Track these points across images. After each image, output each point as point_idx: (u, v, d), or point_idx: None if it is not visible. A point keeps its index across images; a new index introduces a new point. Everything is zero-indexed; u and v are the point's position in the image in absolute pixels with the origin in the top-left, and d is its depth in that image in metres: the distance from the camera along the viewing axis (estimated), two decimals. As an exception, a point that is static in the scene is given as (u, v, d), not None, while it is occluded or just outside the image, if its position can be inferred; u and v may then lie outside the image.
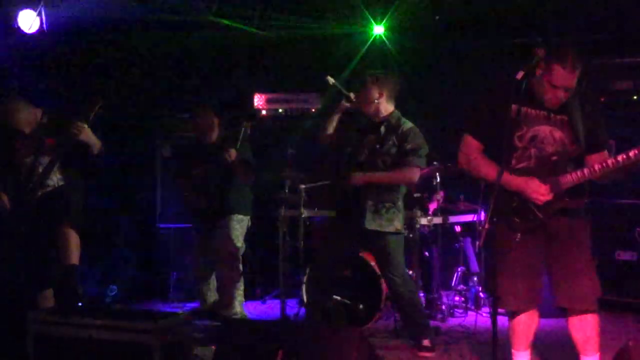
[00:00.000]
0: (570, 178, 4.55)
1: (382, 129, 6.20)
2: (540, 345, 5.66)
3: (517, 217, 4.69)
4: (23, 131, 6.41)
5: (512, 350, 4.99)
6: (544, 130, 4.67)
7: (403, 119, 6.27)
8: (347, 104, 6.24)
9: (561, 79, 4.49)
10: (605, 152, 4.70)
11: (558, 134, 4.66)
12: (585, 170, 4.52)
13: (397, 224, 6.22)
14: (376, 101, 6.18)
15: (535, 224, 4.67)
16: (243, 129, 6.98)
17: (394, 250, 6.25)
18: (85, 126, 6.18)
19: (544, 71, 4.53)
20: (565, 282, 4.68)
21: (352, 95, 6.19)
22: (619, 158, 4.37)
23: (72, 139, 6.18)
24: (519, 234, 4.67)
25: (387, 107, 6.27)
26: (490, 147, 4.82)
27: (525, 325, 4.91)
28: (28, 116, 6.42)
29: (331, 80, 6.24)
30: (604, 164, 4.43)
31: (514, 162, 4.72)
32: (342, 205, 6.39)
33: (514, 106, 4.53)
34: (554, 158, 4.66)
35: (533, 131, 4.68)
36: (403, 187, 6.40)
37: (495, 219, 4.27)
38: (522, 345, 4.95)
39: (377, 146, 6.15)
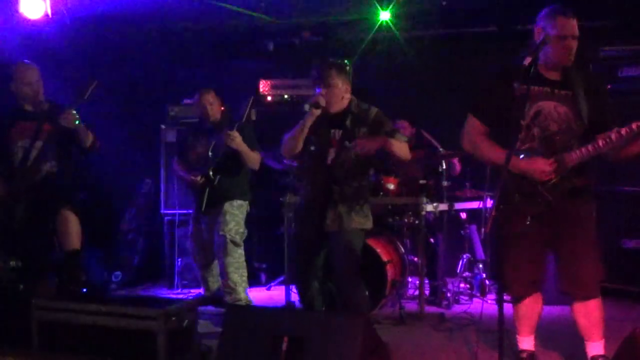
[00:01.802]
0: (576, 155, 4.53)
1: (348, 122, 5.68)
2: (546, 332, 5.64)
3: (526, 201, 4.67)
4: (24, 110, 6.43)
5: (517, 336, 5.02)
6: (548, 105, 4.65)
7: (362, 104, 5.77)
8: (318, 111, 5.62)
9: (567, 28, 4.56)
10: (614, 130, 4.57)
11: (562, 109, 4.64)
12: (590, 147, 4.48)
13: (370, 221, 5.87)
14: (345, 96, 5.69)
15: (543, 208, 4.64)
16: (249, 103, 6.92)
17: (357, 246, 5.79)
18: (73, 112, 6.19)
19: (547, 36, 4.57)
20: (569, 266, 4.69)
21: (321, 99, 5.63)
22: (622, 131, 4.34)
23: (61, 125, 6.21)
24: (529, 218, 4.65)
25: (348, 98, 5.75)
26: (496, 129, 4.81)
27: (529, 310, 4.92)
28: (30, 90, 6.44)
29: (307, 107, 5.88)
30: (608, 139, 4.39)
31: (518, 144, 4.69)
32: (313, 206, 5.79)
33: (516, 85, 4.54)
34: (558, 137, 4.64)
35: (537, 107, 4.66)
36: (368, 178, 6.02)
37: (502, 206, 4.26)
38: (526, 330, 4.97)
39: (347, 143, 5.62)
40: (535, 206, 4.66)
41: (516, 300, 4.95)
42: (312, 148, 5.74)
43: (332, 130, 5.70)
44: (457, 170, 8.18)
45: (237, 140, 6.86)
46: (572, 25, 4.57)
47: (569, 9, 4.59)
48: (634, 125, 4.25)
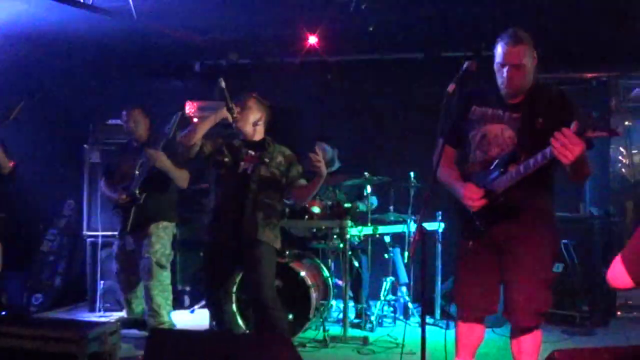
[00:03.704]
0: (502, 182, 4.43)
1: (267, 147, 5.99)
2: (484, 355, 5.70)
3: (466, 224, 4.68)
4: None
5: (456, 358, 4.93)
6: (495, 129, 4.58)
7: (277, 144, 6.11)
8: (228, 116, 5.86)
9: (504, 56, 4.45)
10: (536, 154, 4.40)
11: (509, 132, 4.54)
12: (513, 171, 4.37)
13: (279, 242, 6.01)
14: (255, 124, 5.97)
15: (480, 232, 4.60)
16: (175, 120, 6.90)
17: (271, 263, 5.94)
18: None
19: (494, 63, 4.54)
20: (505, 294, 4.63)
21: (236, 109, 5.87)
22: (538, 156, 4.18)
23: None
24: (471, 242, 4.65)
25: (262, 131, 6.07)
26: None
27: (471, 333, 4.85)
28: None
29: (223, 83, 6.00)
30: (528, 163, 4.26)
31: (467, 167, 4.68)
32: (227, 216, 5.89)
33: (475, 108, 4.58)
34: (496, 161, 4.54)
35: (483, 131, 4.62)
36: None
37: (425, 230, 4.27)
38: (464, 352, 4.89)
39: (266, 159, 5.89)
40: (472, 232, 4.64)
41: (459, 321, 4.90)
42: (226, 159, 5.92)
43: (249, 151, 5.93)
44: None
45: (160, 158, 6.83)
46: (514, 53, 4.43)
47: (516, 37, 4.44)
48: (547, 151, 4.17)
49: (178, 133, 6.74)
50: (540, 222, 4.61)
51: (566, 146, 3.89)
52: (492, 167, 4.53)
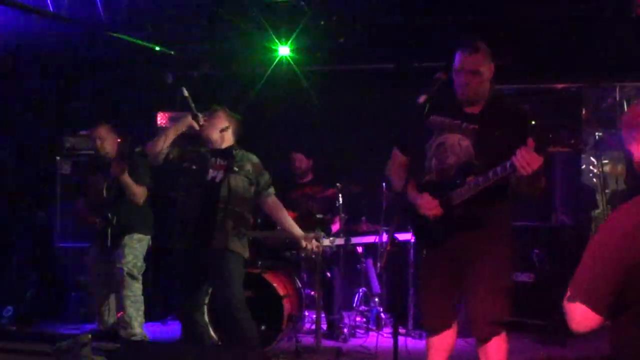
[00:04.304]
0: (459, 193, 4.46)
1: (235, 155, 5.92)
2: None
3: (420, 234, 4.69)
4: None
5: None
6: (452, 138, 4.60)
7: (244, 151, 6.04)
8: (193, 123, 5.92)
9: (462, 62, 4.53)
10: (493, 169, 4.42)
11: (465, 142, 4.57)
12: (472, 183, 4.42)
13: (247, 252, 5.97)
14: (223, 130, 5.92)
15: (436, 241, 4.62)
16: (129, 140, 6.94)
17: (240, 274, 5.90)
18: None
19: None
20: (466, 304, 4.65)
21: (201, 116, 5.92)
22: (498, 169, 4.22)
23: None
24: (425, 251, 4.67)
25: (230, 139, 6.00)
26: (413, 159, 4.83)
27: (440, 344, 4.82)
28: None
29: (186, 92, 6.03)
30: (485, 176, 4.32)
31: (425, 175, 4.69)
32: (196, 224, 5.82)
33: (433, 117, 4.60)
34: (453, 172, 4.57)
35: (441, 139, 4.63)
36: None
37: (397, 241, 4.27)
38: None
39: (235, 168, 5.83)
40: (429, 239, 4.66)
41: (427, 334, 4.90)
42: (193, 167, 5.89)
43: (217, 159, 5.90)
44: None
45: (124, 173, 6.86)
46: (470, 60, 4.52)
47: (474, 45, 4.55)
48: (507, 164, 4.21)
49: (139, 149, 6.79)
50: (498, 232, 4.63)
51: (527, 161, 3.98)
52: (449, 178, 4.56)
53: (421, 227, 4.69)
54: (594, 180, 9.12)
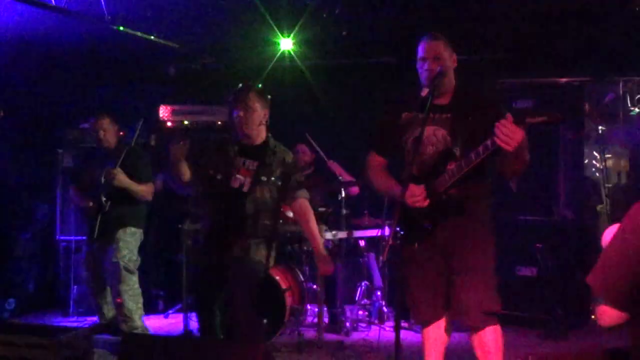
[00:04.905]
0: (443, 179, 4.48)
1: (265, 156, 5.47)
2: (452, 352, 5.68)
3: (409, 227, 4.69)
4: None
5: None
6: (427, 130, 4.56)
7: (278, 143, 5.62)
8: (178, 151, 5.34)
9: (424, 50, 4.62)
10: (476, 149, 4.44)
11: (441, 132, 4.60)
12: (455, 167, 4.43)
13: (274, 257, 5.67)
14: (261, 124, 5.46)
15: (425, 233, 4.60)
16: (137, 128, 6.92)
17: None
18: None
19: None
20: (453, 295, 4.61)
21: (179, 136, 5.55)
22: (480, 149, 4.25)
23: None
24: (416, 244, 4.66)
25: (264, 131, 5.54)
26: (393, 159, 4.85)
27: (435, 336, 4.83)
28: None
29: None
30: (468, 158, 4.34)
31: (406, 170, 4.62)
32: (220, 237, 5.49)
33: (404, 114, 4.65)
34: (432, 161, 4.60)
35: (415, 133, 4.58)
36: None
37: (399, 234, 4.27)
38: (432, 356, 4.86)
39: (262, 177, 5.39)
40: (418, 232, 4.63)
41: (422, 327, 4.91)
42: (219, 177, 5.44)
43: (246, 161, 5.45)
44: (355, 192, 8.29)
45: (119, 177, 6.85)
46: (432, 45, 4.62)
47: (433, 35, 4.66)
48: (488, 142, 4.18)
49: (141, 141, 6.75)
50: (482, 221, 4.69)
51: (508, 134, 3.99)
52: (430, 168, 4.58)
53: (408, 220, 4.65)
54: (597, 174, 9.09)
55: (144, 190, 7.11)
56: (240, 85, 5.59)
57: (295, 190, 5.59)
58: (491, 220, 4.78)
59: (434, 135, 4.62)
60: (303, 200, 5.65)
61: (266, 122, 5.52)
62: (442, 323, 4.83)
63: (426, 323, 4.85)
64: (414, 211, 4.55)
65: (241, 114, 5.37)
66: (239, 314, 5.41)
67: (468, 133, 4.48)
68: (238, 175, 5.41)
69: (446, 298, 4.73)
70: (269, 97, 5.59)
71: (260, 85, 5.75)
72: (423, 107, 4.53)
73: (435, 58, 4.59)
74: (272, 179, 5.45)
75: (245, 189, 5.38)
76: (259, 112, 5.42)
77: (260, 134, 5.51)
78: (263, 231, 5.44)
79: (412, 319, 4.88)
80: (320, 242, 5.60)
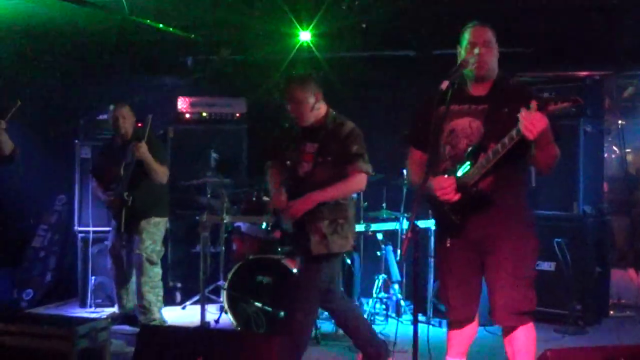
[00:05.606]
0: (474, 171, 4.40)
1: (322, 136, 5.46)
2: (477, 353, 5.66)
3: (441, 224, 4.65)
4: None
5: (447, 357, 4.88)
6: (462, 122, 4.55)
7: (340, 118, 5.57)
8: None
9: (474, 35, 4.55)
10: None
11: (476, 123, 4.53)
12: (482, 159, 4.37)
13: (351, 241, 5.60)
14: (315, 107, 5.46)
15: (456, 230, 4.54)
16: (148, 122, 6.95)
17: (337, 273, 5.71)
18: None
19: (461, 50, 4.61)
20: (489, 294, 4.57)
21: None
22: (506, 140, 4.21)
23: None
24: (448, 241, 4.61)
25: (322, 108, 5.54)
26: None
27: (465, 334, 4.81)
28: None
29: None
30: (495, 150, 4.28)
31: (440, 164, 4.59)
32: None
33: (441, 107, 4.52)
34: (465, 153, 4.51)
35: (451, 125, 4.58)
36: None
37: (417, 228, 4.23)
38: (456, 351, 4.84)
39: (319, 158, 5.39)
40: (450, 228, 4.58)
41: (450, 324, 4.86)
42: (288, 163, 5.58)
43: (308, 144, 5.50)
44: None
45: (142, 149, 6.85)
46: (482, 32, 4.55)
47: (481, 23, 4.60)
48: (513, 132, 4.13)
49: (152, 135, 6.78)
50: (517, 218, 4.58)
51: (532, 122, 3.98)
52: (462, 161, 4.50)
53: (442, 217, 4.62)
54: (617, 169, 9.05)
55: (162, 170, 7.13)
56: (284, 79, 5.78)
57: (351, 162, 5.41)
58: (528, 215, 4.72)
59: (469, 127, 4.55)
60: (357, 174, 5.43)
61: (319, 103, 5.51)
62: (472, 324, 4.81)
63: (459, 324, 4.80)
64: (445, 205, 4.51)
65: (292, 107, 5.47)
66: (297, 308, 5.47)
67: (501, 124, 4.37)
68: (304, 162, 5.49)
69: (478, 298, 4.71)
70: (311, 75, 5.63)
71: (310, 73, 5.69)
72: (457, 99, 4.50)
73: (485, 42, 4.53)
74: (329, 158, 5.42)
75: (306, 173, 5.45)
76: (307, 101, 5.44)
77: (317, 117, 5.52)
78: (331, 213, 5.40)
79: (447, 316, 4.81)
80: (324, 195, 5.37)
